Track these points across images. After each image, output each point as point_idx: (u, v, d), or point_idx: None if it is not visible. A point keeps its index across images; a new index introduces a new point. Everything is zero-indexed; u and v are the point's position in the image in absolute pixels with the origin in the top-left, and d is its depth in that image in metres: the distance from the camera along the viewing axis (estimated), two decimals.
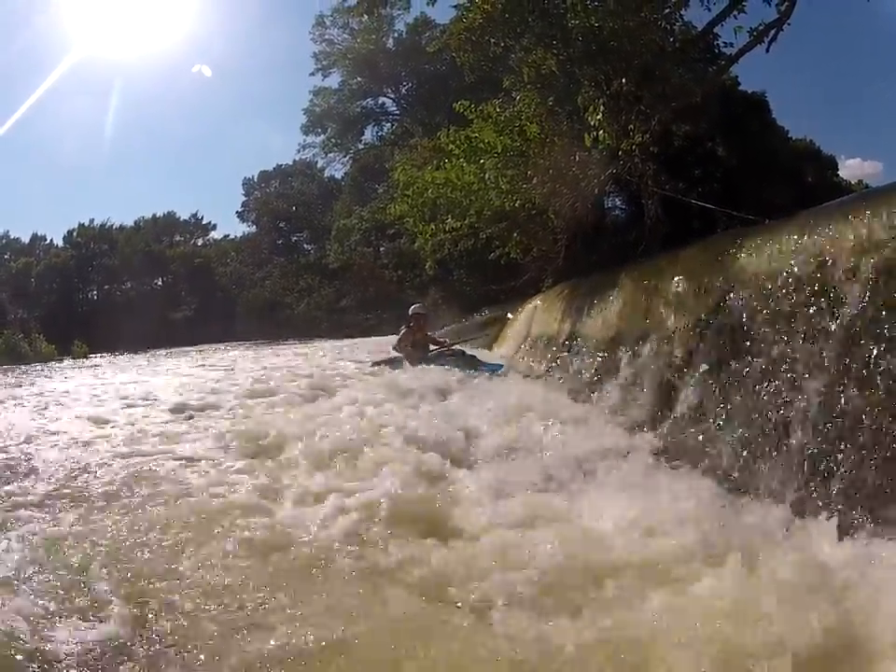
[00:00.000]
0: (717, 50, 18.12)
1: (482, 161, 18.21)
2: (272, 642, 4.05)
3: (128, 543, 5.57)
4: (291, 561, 5.26)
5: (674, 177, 29.46)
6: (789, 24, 15.02)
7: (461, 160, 18.69)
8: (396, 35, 55.12)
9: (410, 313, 17.58)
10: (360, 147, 59.30)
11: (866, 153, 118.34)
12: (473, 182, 18.58)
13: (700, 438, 7.13)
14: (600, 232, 20.32)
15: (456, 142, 18.79)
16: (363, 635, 4.13)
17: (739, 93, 38.26)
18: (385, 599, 4.61)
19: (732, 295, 7.46)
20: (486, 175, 18.13)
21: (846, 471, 5.11)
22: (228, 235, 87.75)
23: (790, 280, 6.46)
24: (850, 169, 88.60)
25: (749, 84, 39.19)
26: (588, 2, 15.20)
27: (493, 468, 7.42)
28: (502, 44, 17.12)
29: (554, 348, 13.89)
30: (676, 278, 9.15)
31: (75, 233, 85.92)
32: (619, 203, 37.21)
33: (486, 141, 18.04)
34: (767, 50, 15.48)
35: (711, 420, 7.10)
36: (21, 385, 20.35)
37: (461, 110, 18.63)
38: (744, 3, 15.21)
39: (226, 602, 4.57)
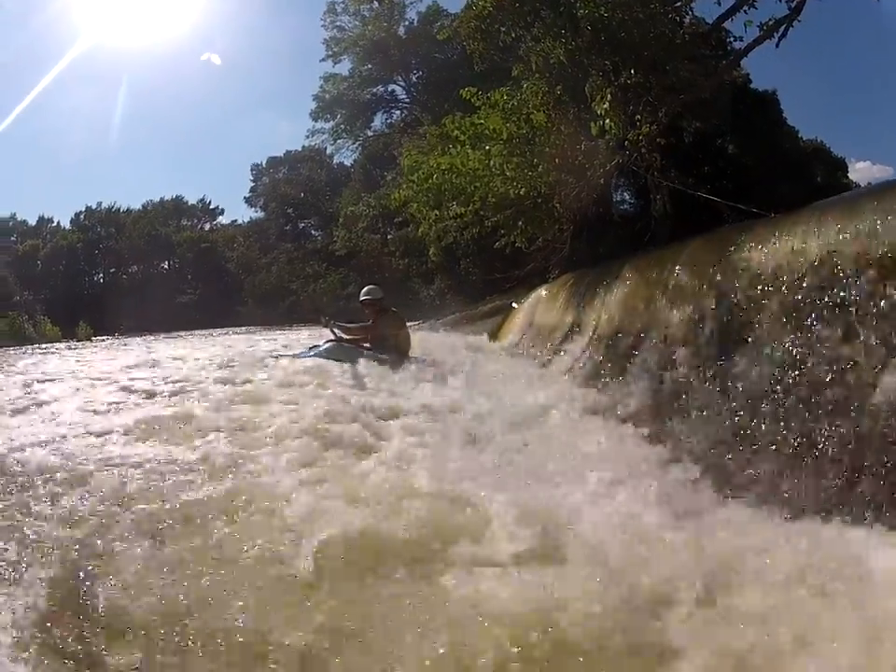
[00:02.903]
0: (729, 47, 18.11)
1: (487, 147, 18.11)
2: None
3: None
4: None
5: (684, 173, 29.39)
6: (799, 21, 14.98)
7: (466, 146, 18.61)
8: (407, 23, 55.30)
9: (367, 297, 14.05)
10: (370, 134, 59.17)
11: (876, 157, 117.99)
12: (478, 168, 18.36)
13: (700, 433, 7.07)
14: (608, 224, 20.24)
15: (462, 128, 18.73)
16: None
17: (750, 91, 38.22)
18: None
19: (733, 288, 7.43)
20: (491, 162, 17.96)
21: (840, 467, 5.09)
22: (235, 220, 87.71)
23: (791, 274, 6.43)
24: (860, 172, 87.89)
25: (760, 82, 39.11)
26: None
27: None
28: (512, 34, 17.09)
29: (557, 339, 13.79)
30: (678, 270, 9.11)
31: (82, 216, 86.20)
32: (628, 196, 37.24)
33: (492, 128, 17.96)
34: (777, 46, 15.47)
35: (711, 414, 7.06)
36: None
37: (468, 97, 18.53)
38: None
39: None
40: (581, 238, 19.16)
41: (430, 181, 19.87)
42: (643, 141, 14.99)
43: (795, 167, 35.85)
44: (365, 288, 14.32)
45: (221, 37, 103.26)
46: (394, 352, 13.20)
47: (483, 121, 18.33)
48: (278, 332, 32.42)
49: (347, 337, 14.02)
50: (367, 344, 13.52)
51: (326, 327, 14.15)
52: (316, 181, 72.57)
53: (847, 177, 43.12)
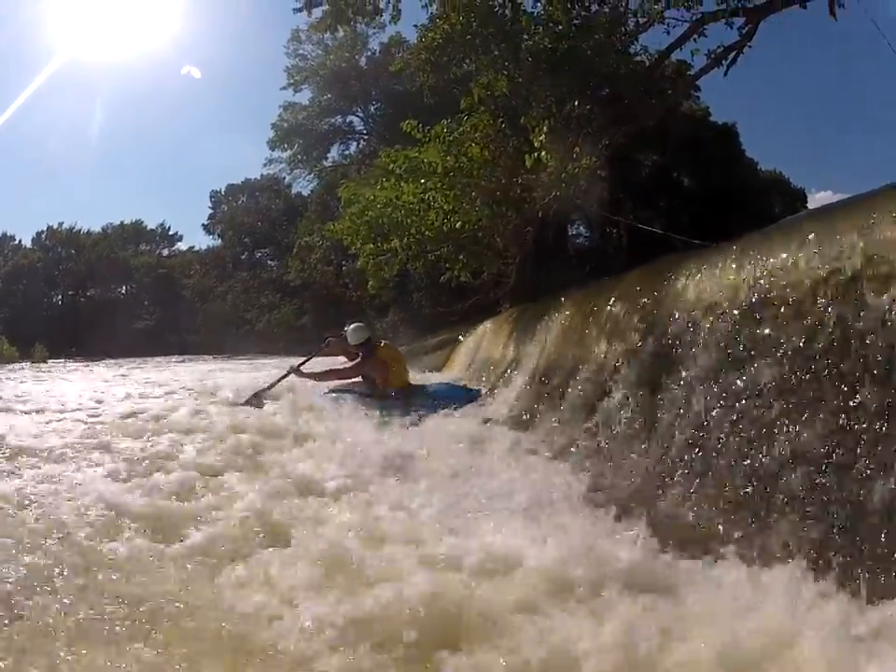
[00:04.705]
0: (689, 74, 18.05)
1: (423, 181, 17.98)
2: None
3: None
4: None
5: (641, 206, 29.51)
6: (750, 47, 14.99)
7: (401, 180, 18.42)
8: (370, 53, 55.42)
9: (357, 340, 12.56)
10: (327, 164, 58.91)
11: (838, 187, 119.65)
12: (413, 202, 18.29)
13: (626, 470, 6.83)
14: (563, 258, 20.15)
15: (397, 161, 18.56)
16: None
17: (710, 124, 38.71)
18: None
19: (666, 318, 7.24)
20: (427, 196, 17.82)
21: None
22: (193, 247, 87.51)
23: (719, 304, 6.27)
24: (821, 202, 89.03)
25: (722, 115, 39.75)
26: (542, 23, 15.11)
27: None
28: (464, 66, 17.04)
29: (498, 373, 13.62)
30: (612, 302, 8.96)
31: (44, 236, 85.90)
32: (583, 230, 37.46)
33: (427, 161, 17.82)
34: (725, 74, 15.59)
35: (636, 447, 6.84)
36: None
37: (408, 130, 18.35)
38: (704, 27, 15.14)
39: None
40: (528, 271, 19.05)
41: (368, 214, 19.68)
42: (581, 174, 14.78)
43: (753, 198, 36.22)
44: (351, 329, 12.81)
45: (187, 61, 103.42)
46: (381, 388, 12.34)
47: (417, 154, 18.18)
48: (239, 363, 32.05)
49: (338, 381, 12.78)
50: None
51: (295, 373, 12.72)
52: (274, 210, 72.22)
53: (806, 207, 43.42)
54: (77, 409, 11.68)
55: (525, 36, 15.14)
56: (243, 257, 76.16)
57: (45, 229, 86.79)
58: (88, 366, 35.32)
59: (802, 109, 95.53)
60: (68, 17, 65.33)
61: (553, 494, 6.68)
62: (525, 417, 10.22)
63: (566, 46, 14.70)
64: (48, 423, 9.98)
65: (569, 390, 9.12)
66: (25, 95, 78.62)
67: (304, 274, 56.05)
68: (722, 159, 37.58)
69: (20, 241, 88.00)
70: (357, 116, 58.41)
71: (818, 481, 4.56)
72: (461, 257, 19.87)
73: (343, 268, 50.22)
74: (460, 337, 21.57)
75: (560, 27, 15.14)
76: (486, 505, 6.24)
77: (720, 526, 5.14)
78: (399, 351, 13.96)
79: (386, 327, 39.95)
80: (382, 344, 13.10)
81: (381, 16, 18.39)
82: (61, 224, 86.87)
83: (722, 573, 4.53)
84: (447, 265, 21.55)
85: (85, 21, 65.57)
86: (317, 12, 17.67)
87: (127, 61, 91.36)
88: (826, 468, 4.55)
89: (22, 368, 33.39)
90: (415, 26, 18.14)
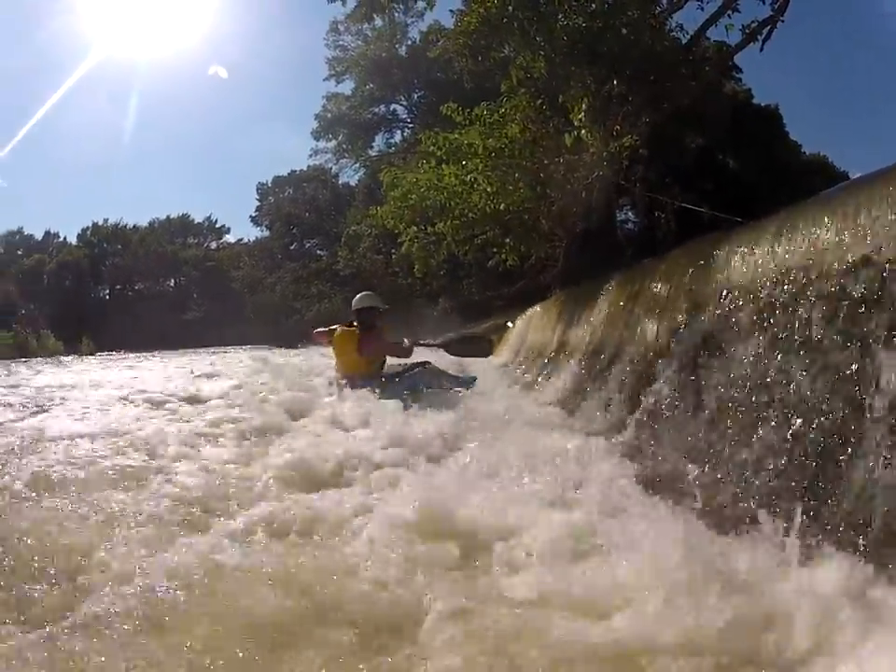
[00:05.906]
0: (729, 52, 18.01)
1: (463, 163, 18.12)
2: None
3: None
4: None
5: (687, 189, 29.40)
6: (783, 21, 14.98)
7: (443, 162, 18.50)
8: (410, 42, 55.48)
9: (354, 306, 11.72)
10: (372, 154, 58.81)
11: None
12: (455, 184, 18.45)
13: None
14: (607, 241, 20.11)
15: (437, 143, 18.67)
16: None
17: (752, 106, 38.44)
18: None
19: (708, 297, 7.24)
20: (468, 178, 18.00)
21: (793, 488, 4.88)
22: (241, 239, 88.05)
23: (764, 279, 6.24)
24: None
25: (765, 98, 39.35)
26: (576, 2, 15.13)
27: None
28: (503, 51, 17.07)
29: (545, 358, 13.65)
30: (654, 282, 8.95)
31: (88, 232, 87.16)
32: (632, 215, 37.39)
33: (468, 143, 17.93)
34: (762, 49, 15.53)
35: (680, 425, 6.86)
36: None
37: (449, 113, 18.53)
38: (737, 2, 15.18)
39: None
40: (575, 255, 19.04)
41: (411, 198, 19.73)
42: (625, 153, 14.84)
43: (796, 180, 35.84)
44: (361, 295, 11.96)
45: (231, 52, 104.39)
46: None
47: (458, 136, 18.30)
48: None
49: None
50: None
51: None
52: (321, 200, 72.18)
53: None
54: None
55: (561, 16, 15.18)
56: (292, 247, 76.20)
57: (90, 225, 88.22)
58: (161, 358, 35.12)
59: (845, 93, 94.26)
60: (104, 15, 66.26)
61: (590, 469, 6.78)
62: (572, 399, 10.28)
63: (599, 24, 14.75)
64: None
65: (616, 370, 9.15)
66: (61, 92, 79.77)
67: (354, 263, 56.07)
68: (766, 141, 37.40)
69: (64, 238, 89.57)
70: (401, 104, 58.52)
71: (869, 463, 4.50)
72: (507, 240, 19.98)
73: (393, 256, 50.16)
74: (508, 323, 21.64)
75: (594, 5, 15.21)
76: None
77: (761, 508, 5.14)
78: (348, 341, 11.66)
79: (438, 314, 39.90)
80: (346, 325, 11.78)
81: (416, 1, 18.51)
82: (106, 220, 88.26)
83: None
84: (494, 249, 21.72)
85: (122, 20, 66.56)
86: (351, 2, 17.84)
87: (165, 57, 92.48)
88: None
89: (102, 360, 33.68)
90: (451, 11, 18.17)
